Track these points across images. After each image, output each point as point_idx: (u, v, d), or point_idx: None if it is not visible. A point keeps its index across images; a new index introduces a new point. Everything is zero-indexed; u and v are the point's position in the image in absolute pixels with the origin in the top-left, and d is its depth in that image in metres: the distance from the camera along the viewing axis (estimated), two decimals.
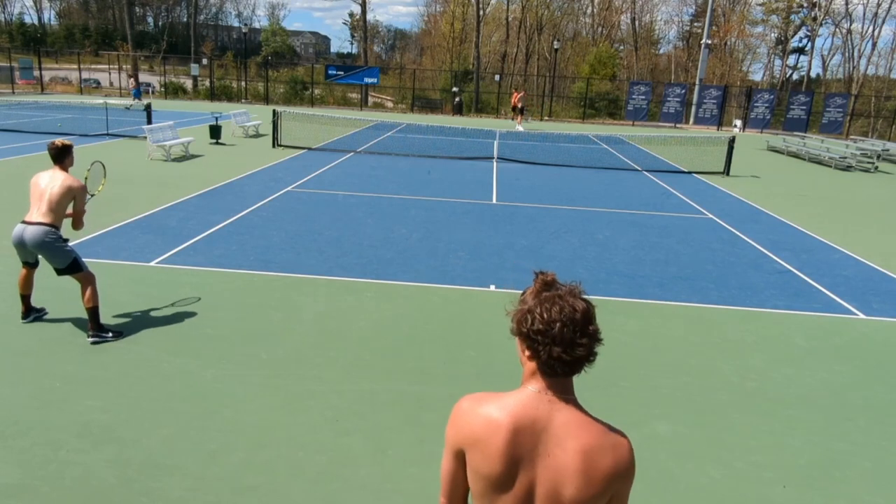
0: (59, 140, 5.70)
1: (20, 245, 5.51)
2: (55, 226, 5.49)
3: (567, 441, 1.55)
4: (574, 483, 1.54)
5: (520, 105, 31.17)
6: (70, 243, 5.70)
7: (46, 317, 5.95)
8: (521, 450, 1.56)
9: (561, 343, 1.52)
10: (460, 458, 1.66)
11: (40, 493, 3.59)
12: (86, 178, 5.94)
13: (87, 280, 5.57)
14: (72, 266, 5.53)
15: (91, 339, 5.50)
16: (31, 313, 5.89)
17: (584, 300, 1.57)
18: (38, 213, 5.49)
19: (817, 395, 5.31)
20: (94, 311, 5.53)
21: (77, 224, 5.72)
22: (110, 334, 5.60)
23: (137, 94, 32.41)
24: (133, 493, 3.63)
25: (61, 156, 5.60)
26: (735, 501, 3.89)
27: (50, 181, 5.54)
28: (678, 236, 10.56)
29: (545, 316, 1.53)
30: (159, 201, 10.82)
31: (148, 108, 19.69)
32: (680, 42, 66.38)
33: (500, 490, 1.58)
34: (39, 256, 5.64)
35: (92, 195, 6.02)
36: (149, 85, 48.64)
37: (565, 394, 1.60)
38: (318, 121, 23.37)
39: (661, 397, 5.10)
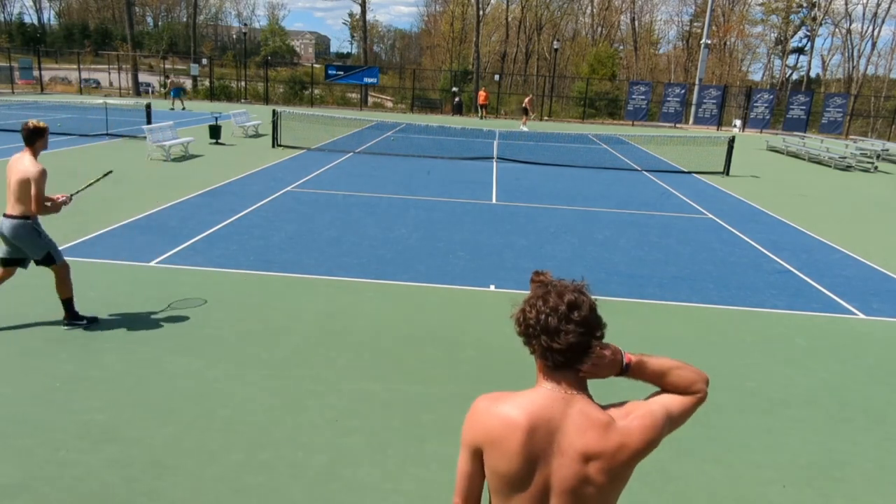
0: (32, 121, 5.36)
1: (2, 237, 5.47)
2: (25, 216, 5.30)
3: (577, 438, 1.59)
4: (590, 478, 1.59)
5: (530, 108, 32.11)
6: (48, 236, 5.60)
7: (45, 317, 5.93)
8: (537, 448, 1.59)
9: (546, 332, 1.57)
10: (477, 457, 1.68)
11: (40, 493, 3.59)
12: (91, 182, 6.04)
13: (60, 271, 5.61)
14: (46, 259, 5.53)
15: (66, 327, 5.72)
16: None
17: (577, 294, 1.60)
18: (9, 204, 5.31)
19: (817, 395, 5.31)
20: (68, 302, 5.71)
21: (36, 208, 5.28)
22: (84, 321, 5.78)
23: (176, 94, 32.36)
24: (133, 493, 3.63)
25: (31, 138, 5.27)
26: (735, 501, 3.89)
27: (11, 168, 5.29)
28: (678, 236, 10.56)
29: (532, 311, 1.60)
30: (159, 201, 10.82)
31: (147, 107, 19.69)
32: (680, 42, 66.41)
33: (516, 487, 1.62)
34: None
35: (78, 192, 5.83)
36: (148, 85, 48.61)
37: (578, 390, 1.63)
38: (318, 121, 23.35)
39: None
